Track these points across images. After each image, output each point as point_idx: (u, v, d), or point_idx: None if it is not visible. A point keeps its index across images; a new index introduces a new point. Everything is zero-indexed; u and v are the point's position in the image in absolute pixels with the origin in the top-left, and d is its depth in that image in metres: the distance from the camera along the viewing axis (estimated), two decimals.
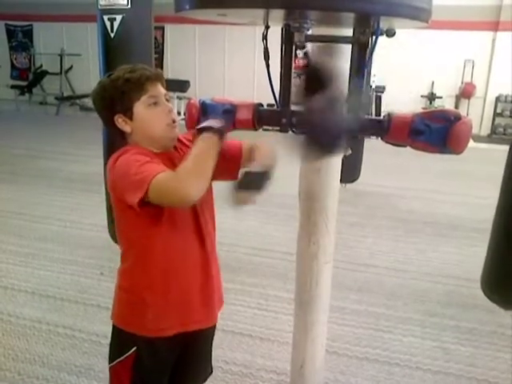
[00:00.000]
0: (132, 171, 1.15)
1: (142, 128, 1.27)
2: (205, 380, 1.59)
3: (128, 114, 1.26)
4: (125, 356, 1.32)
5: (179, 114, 9.80)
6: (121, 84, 1.24)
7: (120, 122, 1.27)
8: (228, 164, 1.37)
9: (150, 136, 1.27)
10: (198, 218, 1.34)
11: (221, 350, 2.42)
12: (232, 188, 1.20)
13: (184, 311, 1.35)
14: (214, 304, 1.43)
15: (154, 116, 1.26)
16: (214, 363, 2.28)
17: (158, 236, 1.27)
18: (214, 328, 1.52)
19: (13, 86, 11.54)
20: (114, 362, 1.35)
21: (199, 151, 1.16)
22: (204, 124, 1.20)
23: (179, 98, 9.91)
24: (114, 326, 1.37)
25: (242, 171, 1.23)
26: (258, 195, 1.21)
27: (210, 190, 1.42)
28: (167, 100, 1.31)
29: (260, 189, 1.21)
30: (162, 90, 1.30)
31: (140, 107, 1.25)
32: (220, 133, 1.19)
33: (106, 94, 1.27)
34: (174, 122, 1.29)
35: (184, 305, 1.34)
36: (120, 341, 1.36)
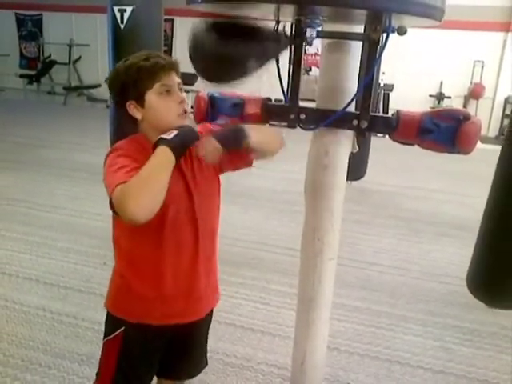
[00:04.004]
0: (108, 176, 1.18)
1: (153, 116, 1.27)
2: (199, 372, 1.60)
3: (140, 101, 1.26)
4: (114, 335, 1.38)
5: None
6: (134, 71, 1.25)
7: (132, 108, 1.27)
8: (236, 158, 1.37)
9: (159, 125, 1.26)
10: (195, 214, 1.32)
11: (222, 343, 2.43)
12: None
13: (163, 305, 1.36)
14: (200, 299, 1.42)
15: (165, 105, 1.26)
16: (215, 356, 2.31)
17: (140, 231, 1.26)
18: (206, 321, 1.51)
19: (21, 75, 11.57)
20: (105, 339, 1.41)
21: (150, 167, 1.12)
22: (163, 135, 1.17)
23: (187, 91, 9.86)
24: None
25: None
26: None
27: (215, 185, 1.42)
28: (181, 90, 1.29)
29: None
30: (175, 79, 1.28)
31: (152, 95, 1.25)
32: (174, 146, 1.14)
33: (119, 80, 1.28)
34: (185, 112, 1.28)
35: (162, 299, 1.35)
36: (111, 321, 1.42)
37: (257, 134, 1.28)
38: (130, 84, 1.25)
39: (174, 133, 1.17)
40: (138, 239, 1.31)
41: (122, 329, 1.36)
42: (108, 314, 1.43)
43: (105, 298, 1.45)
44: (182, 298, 1.37)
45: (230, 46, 1.26)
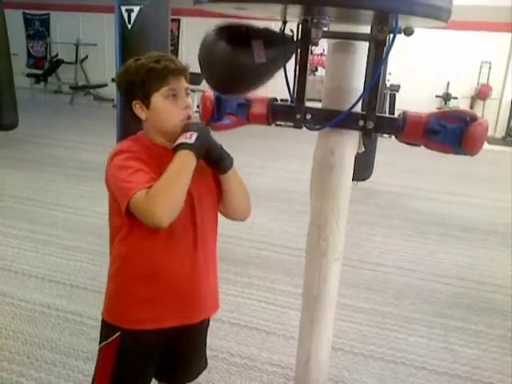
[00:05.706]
0: (121, 178, 1.19)
1: (156, 118, 1.28)
2: (196, 376, 1.57)
3: (145, 102, 1.27)
4: (109, 340, 1.35)
5: None
6: (143, 72, 1.26)
7: (137, 108, 1.29)
8: None
9: (161, 128, 1.28)
10: (195, 218, 1.31)
11: (226, 342, 2.44)
12: None
13: (157, 306, 1.33)
14: (198, 302, 1.40)
15: (170, 109, 1.27)
16: (219, 355, 2.32)
17: (137, 234, 1.26)
18: (203, 327, 1.49)
19: (29, 75, 11.65)
20: (101, 345, 1.39)
21: (172, 171, 1.17)
22: (179, 140, 1.21)
23: (192, 91, 9.90)
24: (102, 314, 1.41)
25: None
26: None
27: (214, 190, 1.39)
28: (187, 94, 1.31)
29: None
30: (184, 84, 1.29)
31: (158, 98, 1.26)
32: (197, 150, 1.20)
33: (128, 79, 1.29)
34: (189, 118, 1.28)
35: (153, 302, 1.33)
36: (106, 326, 1.39)
37: None
38: (138, 84, 1.26)
39: (195, 136, 1.21)
40: (135, 238, 1.29)
41: (117, 334, 1.33)
42: (103, 321, 1.41)
43: None
44: (179, 299, 1.35)
45: (243, 57, 1.28)
